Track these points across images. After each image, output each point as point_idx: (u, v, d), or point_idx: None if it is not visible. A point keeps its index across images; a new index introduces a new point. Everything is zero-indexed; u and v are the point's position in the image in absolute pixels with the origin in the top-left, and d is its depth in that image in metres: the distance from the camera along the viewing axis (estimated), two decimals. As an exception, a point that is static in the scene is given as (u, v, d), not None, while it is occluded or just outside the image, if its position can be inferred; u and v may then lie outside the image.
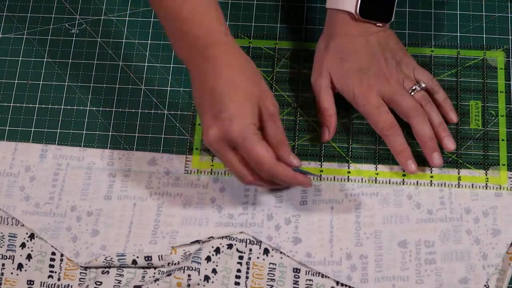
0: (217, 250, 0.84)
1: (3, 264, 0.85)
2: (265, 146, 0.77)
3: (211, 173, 0.89)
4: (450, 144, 0.86)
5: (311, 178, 0.84)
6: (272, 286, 0.83)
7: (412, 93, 0.86)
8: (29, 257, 0.85)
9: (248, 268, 0.84)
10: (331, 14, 0.89)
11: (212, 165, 0.89)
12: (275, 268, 0.84)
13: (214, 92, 0.77)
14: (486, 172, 0.88)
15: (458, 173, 0.88)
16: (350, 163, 0.89)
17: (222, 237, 0.85)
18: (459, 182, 0.87)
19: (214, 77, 0.77)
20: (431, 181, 0.87)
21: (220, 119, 0.76)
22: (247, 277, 0.84)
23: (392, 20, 0.89)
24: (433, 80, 0.89)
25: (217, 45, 0.79)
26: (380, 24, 0.88)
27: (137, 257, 0.84)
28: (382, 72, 0.86)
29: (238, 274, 0.84)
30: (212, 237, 0.85)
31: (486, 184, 0.87)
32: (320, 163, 0.88)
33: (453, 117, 0.89)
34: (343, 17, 0.88)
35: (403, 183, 0.87)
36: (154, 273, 0.84)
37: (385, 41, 0.89)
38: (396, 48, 0.89)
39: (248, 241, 0.85)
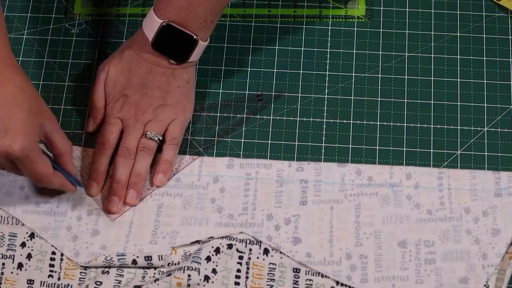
0: (217, 250, 0.84)
1: (3, 264, 0.85)
2: (43, 161, 0.80)
3: None
4: (130, 197, 0.87)
5: (76, 187, 0.86)
6: (272, 286, 0.83)
7: (146, 136, 0.87)
8: (29, 256, 0.85)
9: (248, 268, 0.84)
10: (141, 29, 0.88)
11: None
12: (275, 268, 0.84)
13: None
14: (345, 4, 0.94)
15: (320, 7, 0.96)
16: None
17: (222, 237, 0.85)
18: (320, 15, 0.94)
19: None
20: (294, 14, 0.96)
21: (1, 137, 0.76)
22: (247, 277, 0.84)
23: (194, 61, 0.88)
24: (176, 140, 0.88)
25: None
26: (173, 62, 0.87)
27: (137, 257, 0.84)
28: (139, 105, 0.88)
29: (238, 274, 0.84)
30: (212, 237, 0.85)
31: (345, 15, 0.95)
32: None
33: (158, 181, 0.88)
34: (145, 38, 0.87)
35: None
36: (154, 273, 0.84)
37: (167, 80, 0.88)
38: (174, 92, 0.88)
39: (248, 241, 0.85)
